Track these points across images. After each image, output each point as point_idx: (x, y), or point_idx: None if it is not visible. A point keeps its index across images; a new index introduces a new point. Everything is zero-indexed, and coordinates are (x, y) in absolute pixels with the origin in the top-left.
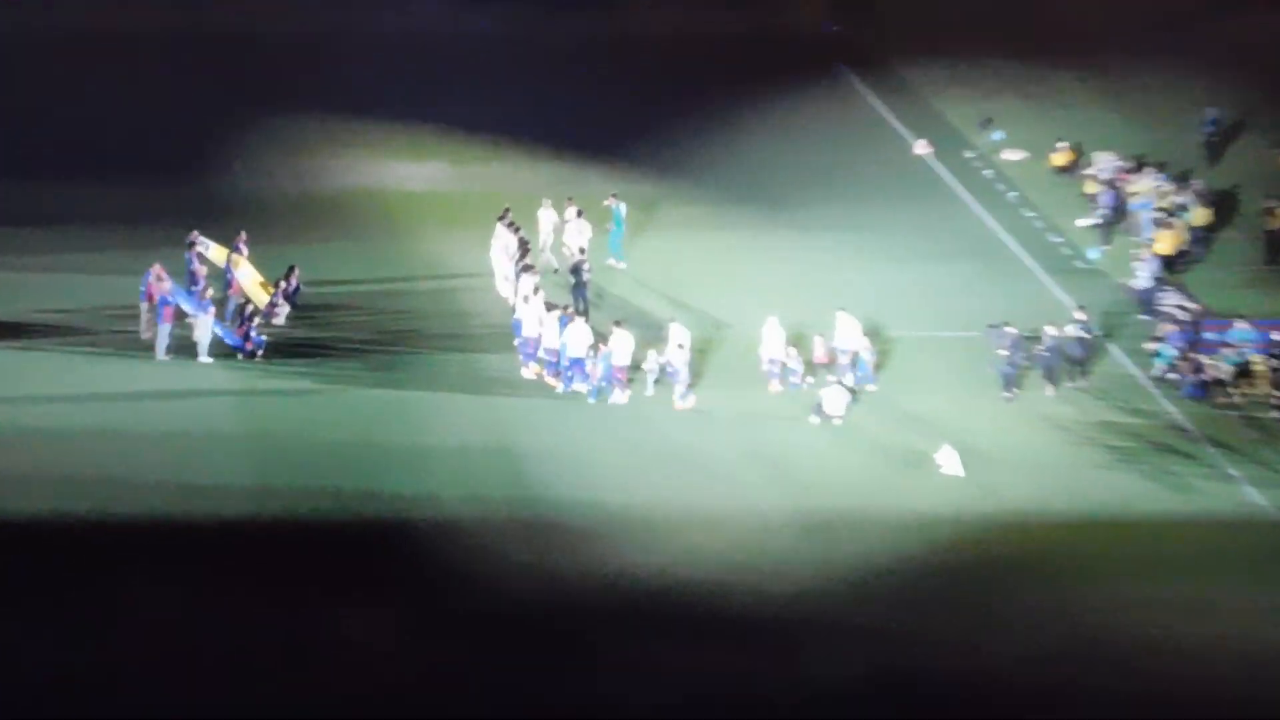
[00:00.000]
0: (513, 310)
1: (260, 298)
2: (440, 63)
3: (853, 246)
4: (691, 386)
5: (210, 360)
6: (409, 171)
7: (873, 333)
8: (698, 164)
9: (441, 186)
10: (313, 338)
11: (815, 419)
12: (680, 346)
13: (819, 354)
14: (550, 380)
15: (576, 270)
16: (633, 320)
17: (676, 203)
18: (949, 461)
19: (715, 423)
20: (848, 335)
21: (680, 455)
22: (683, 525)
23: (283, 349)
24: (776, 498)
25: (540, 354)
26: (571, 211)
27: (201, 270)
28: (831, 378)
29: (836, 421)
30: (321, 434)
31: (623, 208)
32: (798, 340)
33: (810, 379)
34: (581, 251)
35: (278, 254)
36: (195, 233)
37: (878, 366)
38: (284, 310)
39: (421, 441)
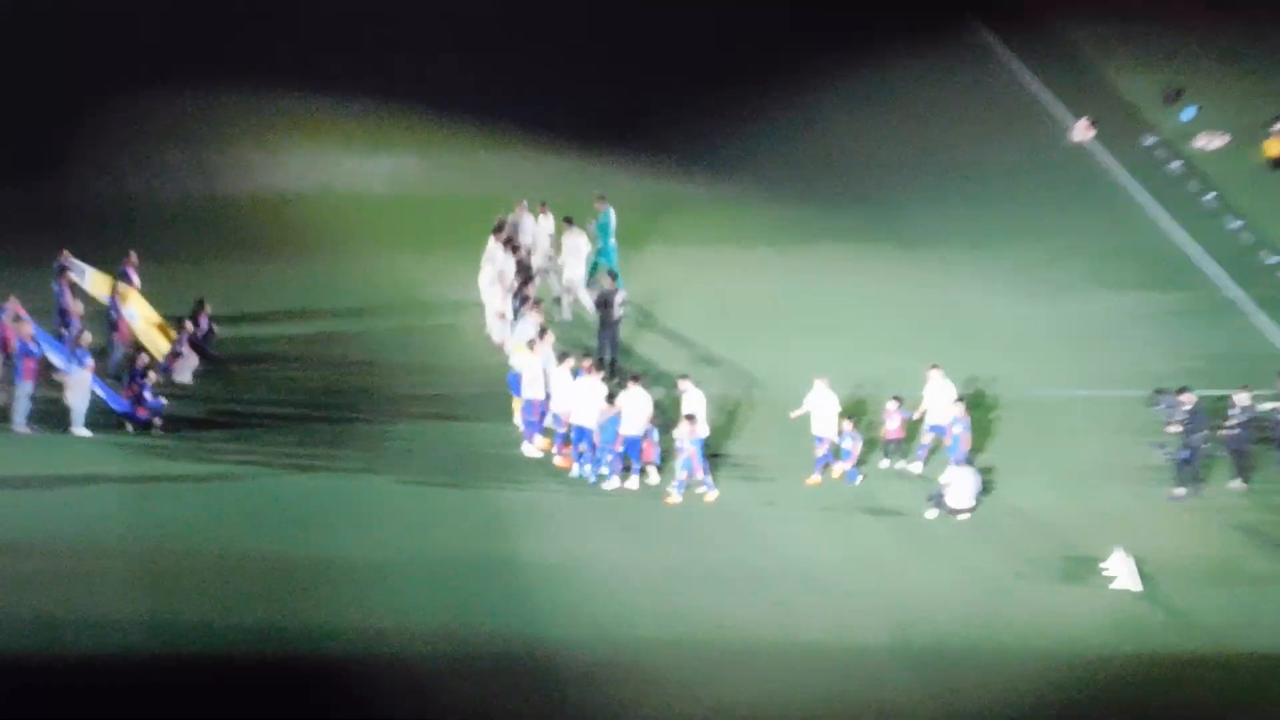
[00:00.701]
0: (509, 361)
1: (158, 345)
2: (405, 18)
3: (976, 268)
4: (709, 474)
5: (88, 433)
6: (363, 167)
7: (980, 393)
8: (761, 154)
9: (408, 187)
10: (232, 401)
11: (933, 512)
12: (690, 418)
13: (892, 428)
14: (561, 461)
15: (606, 304)
16: (656, 377)
17: (728, 207)
18: (1123, 571)
19: (782, 520)
20: (939, 404)
21: (736, 566)
22: (743, 662)
23: (190, 417)
24: (877, 624)
25: (548, 422)
26: (548, 221)
27: (76, 307)
28: (889, 463)
29: (963, 517)
30: (243, 541)
31: (611, 214)
32: (857, 409)
33: (887, 462)
34: (613, 277)
35: (182, 282)
36: (65, 253)
37: (974, 448)
38: (190, 362)
39: (382, 552)
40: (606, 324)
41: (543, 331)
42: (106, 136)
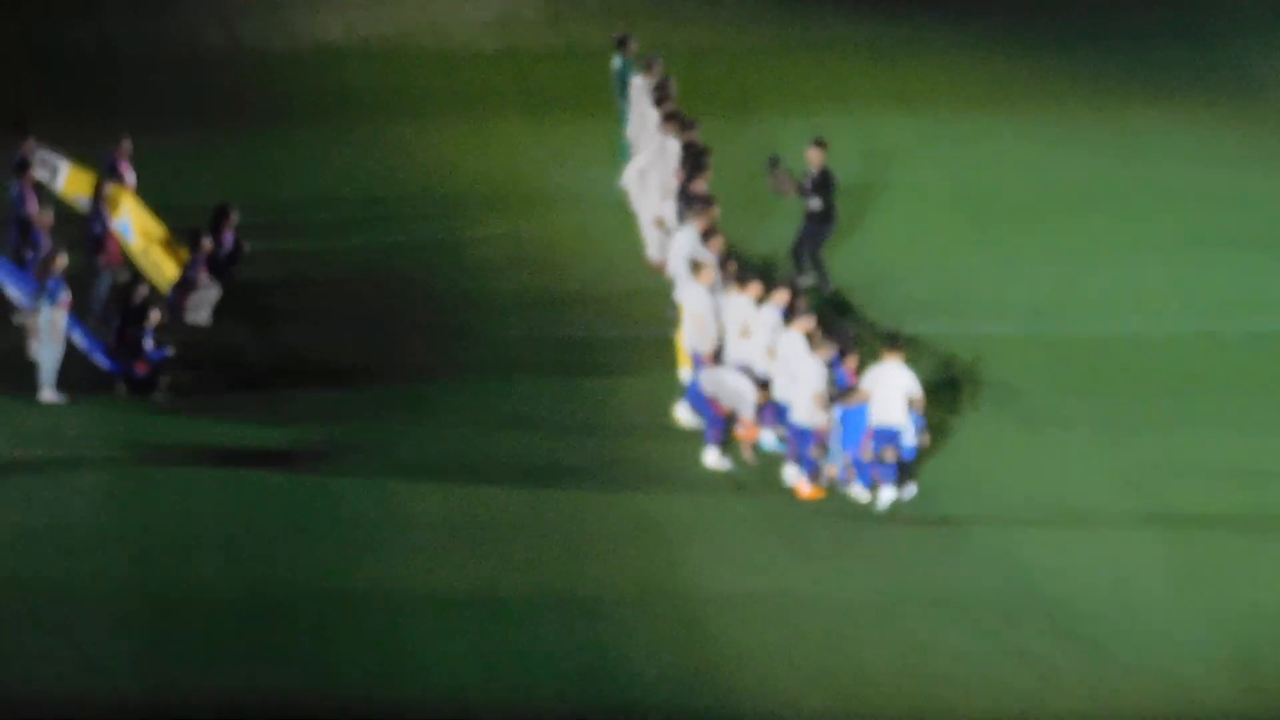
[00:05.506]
0: (674, 290)
1: (162, 270)
2: None
3: None
4: (910, 476)
5: (60, 398)
6: (459, 10)
7: None
8: None
9: (520, 38)
10: (270, 352)
11: None
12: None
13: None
14: (744, 432)
15: (823, 189)
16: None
17: (984, 54)
18: None
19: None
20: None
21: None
22: None
23: (211, 377)
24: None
25: (725, 390)
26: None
27: (44, 218)
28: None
29: None
30: (282, 562)
31: (626, 68)
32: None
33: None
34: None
35: (196, 175)
36: (31, 142)
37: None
38: (209, 295)
39: (483, 583)
40: (819, 217)
41: (709, 235)
42: None
